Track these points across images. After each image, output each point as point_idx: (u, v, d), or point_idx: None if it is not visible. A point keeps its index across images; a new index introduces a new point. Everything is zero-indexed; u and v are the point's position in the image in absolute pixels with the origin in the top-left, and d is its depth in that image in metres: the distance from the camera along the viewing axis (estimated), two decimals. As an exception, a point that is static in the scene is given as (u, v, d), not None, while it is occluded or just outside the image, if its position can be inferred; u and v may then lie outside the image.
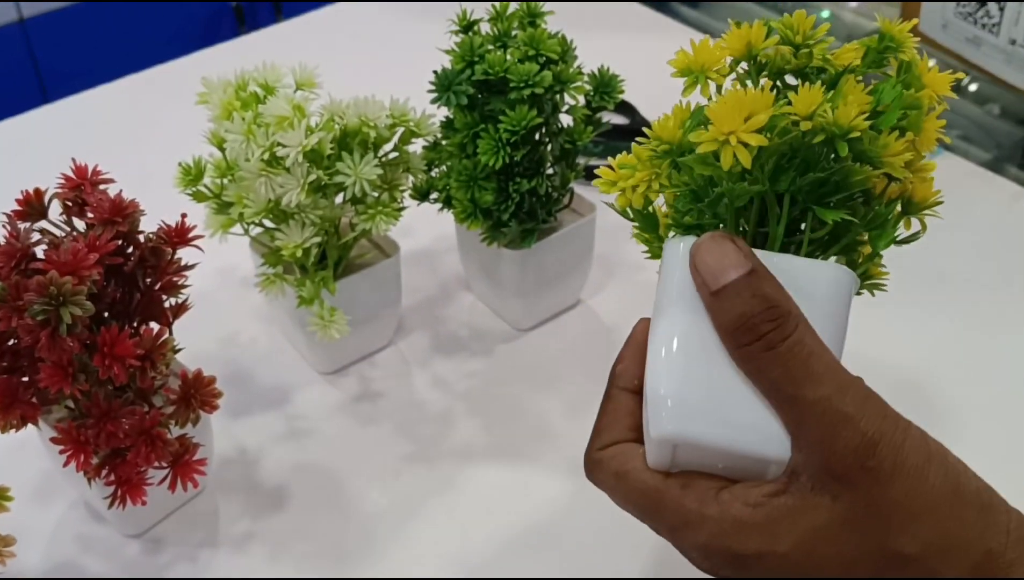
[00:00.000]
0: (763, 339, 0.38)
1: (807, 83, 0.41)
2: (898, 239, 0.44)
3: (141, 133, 0.98)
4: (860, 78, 0.42)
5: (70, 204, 0.56)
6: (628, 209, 0.45)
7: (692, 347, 0.40)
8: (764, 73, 0.44)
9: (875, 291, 0.47)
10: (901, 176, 0.41)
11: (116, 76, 1.06)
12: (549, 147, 0.67)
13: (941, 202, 0.44)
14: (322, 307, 0.64)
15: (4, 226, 0.54)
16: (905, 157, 0.40)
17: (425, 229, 0.82)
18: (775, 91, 0.43)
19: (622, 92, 0.68)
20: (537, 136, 0.66)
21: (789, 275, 0.39)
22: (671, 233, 0.44)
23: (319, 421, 0.70)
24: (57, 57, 1.88)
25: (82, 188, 0.56)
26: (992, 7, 0.91)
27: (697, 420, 0.39)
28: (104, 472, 0.54)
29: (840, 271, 0.41)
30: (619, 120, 0.94)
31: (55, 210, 0.57)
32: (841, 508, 0.38)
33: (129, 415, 0.53)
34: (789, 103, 0.40)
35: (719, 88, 0.43)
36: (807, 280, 0.40)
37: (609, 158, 0.45)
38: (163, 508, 0.63)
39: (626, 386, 0.44)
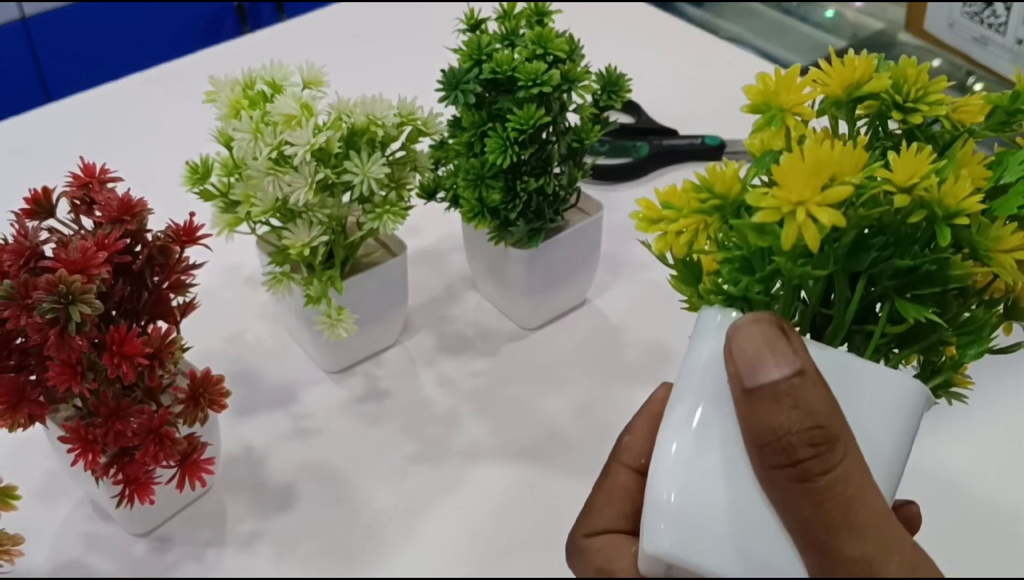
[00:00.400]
0: (797, 467, 0.31)
1: (914, 143, 0.32)
2: (993, 350, 0.36)
3: (144, 132, 0.98)
4: (975, 144, 0.34)
5: (78, 202, 0.56)
6: (667, 255, 0.38)
7: (710, 449, 0.33)
8: (863, 122, 0.36)
9: (953, 401, 0.39)
10: (1012, 279, 0.33)
11: (118, 75, 1.06)
12: (556, 146, 0.67)
13: None
14: (329, 306, 0.64)
15: (12, 224, 0.54)
16: (1020, 256, 0.32)
17: (431, 228, 0.82)
18: (873, 141, 0.35)
19: (630, 91, 0.68)
20: (544, 135, 0.65)
21: (846, 379, 0.32)
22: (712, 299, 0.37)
23: (325, 420, 0.69)
24: (59, 56, 1.88)
25: (90, 186, 0.56)
26: (999, 7, 0.91)
27: (700, 542, 0.32)
28: (112, 471, 0.54)
29: (911, 385, 0.34)
30: (625, 119, 0.94)
31: (62, 208, 0.57)
32: None
33: (137, 414, 0.53)
34: (886, 163, 0.32)
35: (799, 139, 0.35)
36: (868, 389, 0.33)
37: (655, 188, 0.37)
38: (170, 507, 0.63)
39: (630, 463, 0.37)
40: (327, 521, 0.63)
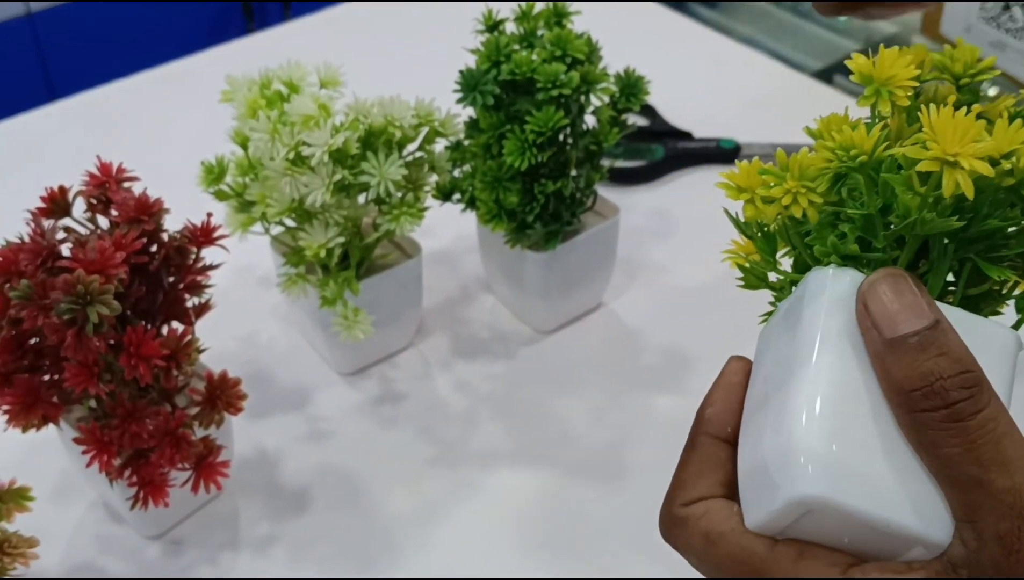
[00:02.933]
0: (951, 408, 0.32)
1: (1016, 119, 0.35)
2: None
3: (153, 131, 0.97)
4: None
5: (95, 202, 0.55)
6: (753, 224, 0.39)
7: (844, 398, 0.34)
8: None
9: None
10: None
11: (122, 72, 1.05)
12: (574, 148, 0.66)
13: None
14: (346, 307, 0.63)
15: (28, 223, 0.54)
16: None
17: (445, 229, 0.81)
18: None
19: (648, 93, 0.68)
20: (562, 137, 0.65)
21: (961, 331, 0.34)
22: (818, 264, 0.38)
23: (339, 422, 0.69)
24: (63, 52, 1.88)
25: (107, 186, 0.55)
26: (1016, 11, 0.90)
27: (847, 483, 0.33)
28: (127, 473, 0.54)
29: (1013, 336, 0.36)
30: (640, 122, 0.93)
31: (78, 208, 0.56)
32: None
33: (154, 416, 0.52)
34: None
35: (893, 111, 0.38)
36: (979, 341, 0.34)
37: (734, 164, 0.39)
38: (183, 509, 0.62)
39: (716, 434, 0.38)
40: (342, 524, 0.63)
